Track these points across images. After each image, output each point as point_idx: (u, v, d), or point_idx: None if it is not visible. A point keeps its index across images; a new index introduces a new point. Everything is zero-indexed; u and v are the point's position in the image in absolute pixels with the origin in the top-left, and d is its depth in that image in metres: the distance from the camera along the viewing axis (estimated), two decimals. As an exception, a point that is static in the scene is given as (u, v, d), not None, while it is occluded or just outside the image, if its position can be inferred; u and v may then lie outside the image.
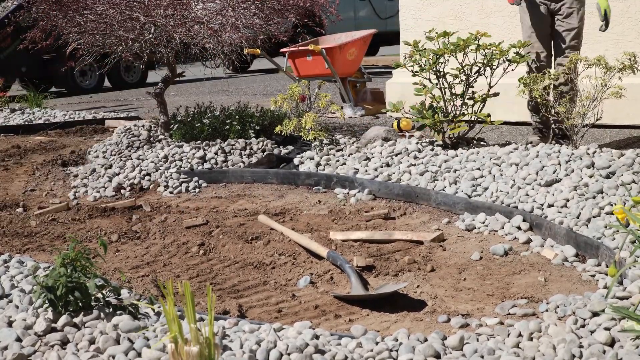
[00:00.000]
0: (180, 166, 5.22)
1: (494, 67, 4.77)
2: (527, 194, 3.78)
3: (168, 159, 5.35)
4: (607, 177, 3.69)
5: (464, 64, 4.77)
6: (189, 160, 5.27)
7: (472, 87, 4.85)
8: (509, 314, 2.63)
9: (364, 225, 3.86)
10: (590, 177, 3.73)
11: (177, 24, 5.50)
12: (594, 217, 3.35)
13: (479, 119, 4.88)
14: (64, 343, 2.24)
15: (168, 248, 3.63)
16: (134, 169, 5.18)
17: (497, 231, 3.61)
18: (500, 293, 2.86)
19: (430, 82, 4.83)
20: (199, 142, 5.50)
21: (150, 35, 5.57)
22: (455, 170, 4.29)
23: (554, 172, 3.88)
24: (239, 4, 5.53)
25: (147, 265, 3.41)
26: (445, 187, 4.16)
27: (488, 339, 2.32)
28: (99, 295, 2.42)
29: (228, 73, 11.97)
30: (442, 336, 2.31)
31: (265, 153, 5.29)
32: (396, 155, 4.76)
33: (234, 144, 5.39)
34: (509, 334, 2.32)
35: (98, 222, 4.17)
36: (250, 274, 3.22)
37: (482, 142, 4.92)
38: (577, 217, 3.40)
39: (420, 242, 3.50)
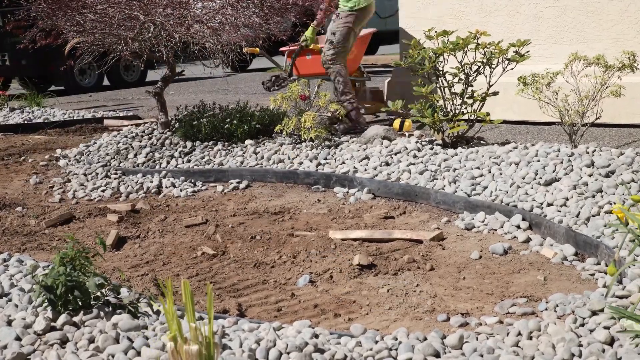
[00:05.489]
0: (178, 165, 5.22)
1: (493, 66, 4.77)
2: (526, 193, 3.78)
3: (167, 158, 5.34)
4: (607, 176, 3.69)
5: (463, 63, 4.77)
6: (189, 159, 5.27)
7: (472, 86, 4.85)
8: (509, 312, 2.63)
9: (364, 224, 3.86)
10: (590, 176, 3.73)
11: (176, 23, 5.50)
12: (593, 216, 3.35)
13: (479, 118, 4.87)
14: (63, 342, 2.24)
15: (167, 247, 3.63)
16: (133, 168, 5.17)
17: (496, 230, 3.61)
18: (499, 292, 2.86)
19: (430, 81, 4.83)
20: (197, 142, 5.51)
21: (150, 34, 5.56)
22: (454, 169, 4.29)
23: (554, 171, 3.88)
24: (238, 3, 5.53)
25: (147, 264, 3.41)
26: (444, 186, 4.16)
27: (487, 338, 2.32)
28: (99, 294, 2.42)
29: (227, 72, 11.94)
30: (442, 335, 2.31)
31: None
32: (395, 154, 4.76)
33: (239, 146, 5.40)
34: (508, 333, 2.32)
35: (97, 221, 4.17)
36: (250, 273, 3.22)
37: (481, 141, 4.92)
38: (577, 216, 3.40)
39: (420, 241, 3.50)
